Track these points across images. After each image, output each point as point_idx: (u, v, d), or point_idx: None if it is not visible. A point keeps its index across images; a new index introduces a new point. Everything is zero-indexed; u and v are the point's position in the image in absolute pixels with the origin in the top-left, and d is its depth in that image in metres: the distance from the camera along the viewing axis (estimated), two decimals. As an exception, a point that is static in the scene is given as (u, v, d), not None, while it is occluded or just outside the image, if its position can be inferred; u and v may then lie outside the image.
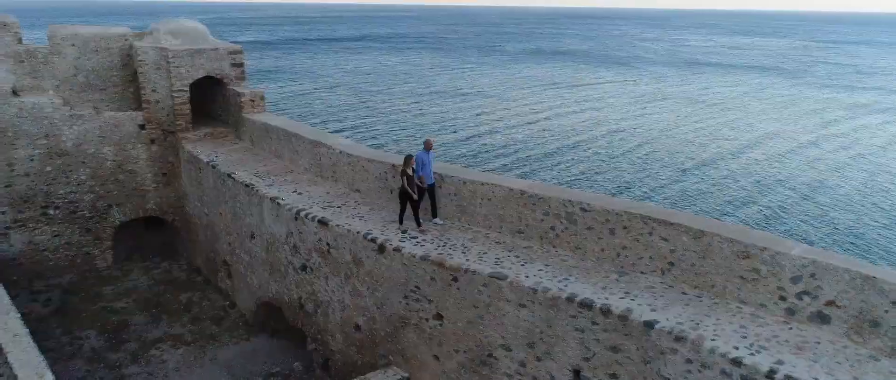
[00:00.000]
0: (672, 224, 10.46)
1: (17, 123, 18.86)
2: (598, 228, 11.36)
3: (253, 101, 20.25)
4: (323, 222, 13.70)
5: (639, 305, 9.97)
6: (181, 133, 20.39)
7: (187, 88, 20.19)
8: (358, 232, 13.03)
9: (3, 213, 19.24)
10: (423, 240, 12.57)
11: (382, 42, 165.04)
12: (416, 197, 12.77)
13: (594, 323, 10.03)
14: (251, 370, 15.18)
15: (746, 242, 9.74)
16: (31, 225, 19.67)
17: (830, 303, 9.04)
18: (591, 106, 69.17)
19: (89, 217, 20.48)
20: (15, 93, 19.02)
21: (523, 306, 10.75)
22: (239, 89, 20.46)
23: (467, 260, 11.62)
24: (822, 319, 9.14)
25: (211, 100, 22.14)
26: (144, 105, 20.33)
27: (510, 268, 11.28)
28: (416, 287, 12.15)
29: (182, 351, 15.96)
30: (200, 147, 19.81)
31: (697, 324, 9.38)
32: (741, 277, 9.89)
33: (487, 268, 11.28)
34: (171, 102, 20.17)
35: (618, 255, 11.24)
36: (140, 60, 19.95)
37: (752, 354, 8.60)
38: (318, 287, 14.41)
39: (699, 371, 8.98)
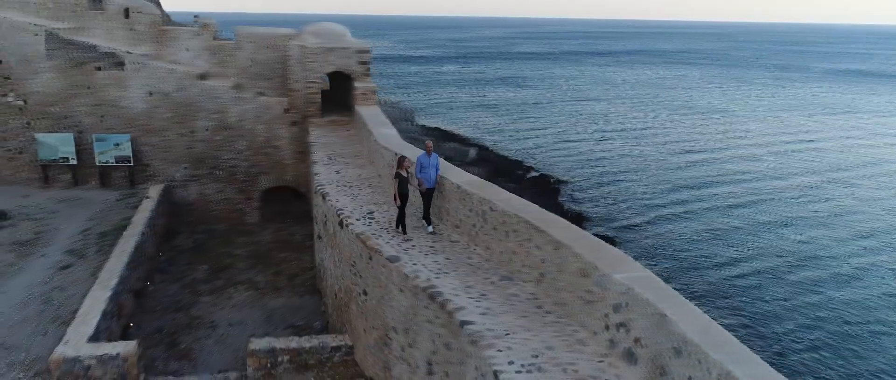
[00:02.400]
0: (541, 231, 9.84)
1: (200, 101, 24.36)
2: (500, 230, 11.07)
3: (365, 94, 22.84)
4: (324, 196, 15.44)
5: (477, 306, 9.68)
6: (311, 118, 23.95)
7: (319, 80, 23.66)
8: (339, 208, 14.47)
9: (186, 168, 25.00)
10: (372, 220, 13.48)
11: (658, 56, 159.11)
12: (398, 202, 12.57)
13: (437, 317, 10.01)
14: (281, 320, 17.63)
15: (586, 258, 8.80)
16: (202, 180, 25.17)
17: (637, 340, 7.82)
18: None
19: (243, 180, 25.34)
20: (202, 77, 24.57)
21: (402, 291, 11.09)
22: (358, 83, 23.24)
23: (386, 242, 12.27)
24: (630, 358, 7.95)
25: (346, 92, 25.42)
26: (288, 93, 24.41)
27: (408, 253, 11.65)
28: (354, 263, 13.15)
29: (249, 294, 19.16)
30: (319, 131, 23.07)
31: (506, 335, 8.85)
32: (581, 298, 8.96)
33: (391, 251, 11.81)
34: (306, 91, 23.85)
35: (509, 259, 10.82)
36: (287, 55, 24.03)
37: (517, 373, 7.96)
38: (323, 255, 16.21)
39: (483, 377, 8.54)
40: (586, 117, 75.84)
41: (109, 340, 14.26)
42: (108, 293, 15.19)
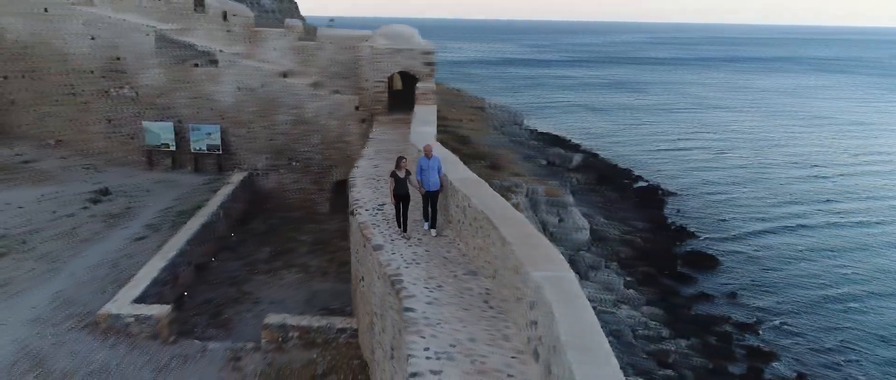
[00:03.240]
0: (495, 228, 9.95)
1: (281, 96, 26.37)
2: (473, 226, 11.26)
3: (425, 93, 23.55)
4: (351, 187, 16.30)
5: (428, 296, 9.98)
6: (377, 115, 25.08)
7: (385, 80, 24.75)
8: (356, 198, 15.26)
9: (267, 158, 27.14)
10: (380, 212, 14.10)
11: (808, 64, 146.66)
12: (392, 200, 12.82)
13: (393, 304, 10.42)
14: (320, 302, 18.75)
15: (518, 255, 8.85)
16: (281, 170, 27.18)
17: (540, 339, 7.81)
18: None
19: (317, 172, 27.04)
20: (284, 75, 26.57)
21: (379, 278, 11.61)
22: (420, 83, 24.02)
23: (380, 232, 12.83)
24: (535, 356, 7.96)
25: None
26: (359, 91, 25.73)
27: (393, 244, 12.13)
28: (357, 250, 13.85)
29: (299, 276, 20.54)
30: (380, 128, 24.11)
31: (438, 324, 9.09)
32: (514, 295, 9.01)
33: (379, 240, 12.35)
34: (374, 89, 25.02)
35: (477, 254, 10.99)
36: (359, 56, 25.35)
37: (427, 359, 8.22)
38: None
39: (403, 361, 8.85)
40: (708, 126, 72.08)
41: (159, 303, 16.05)
42: (164, 263, 17.10)
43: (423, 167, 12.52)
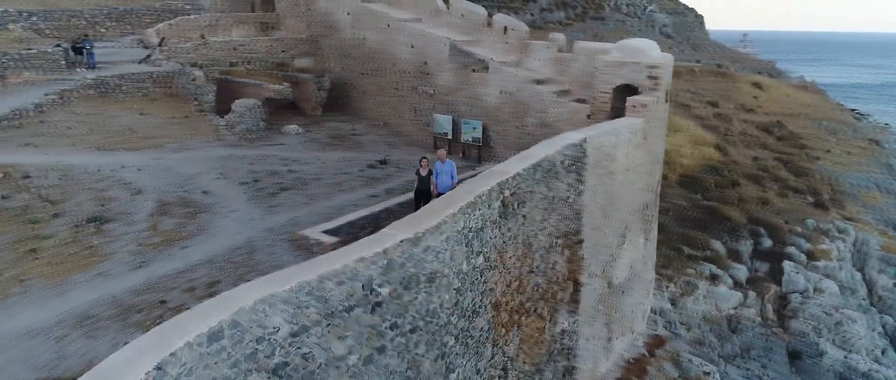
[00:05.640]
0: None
1: (530, 101, 29.76)
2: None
3: (634, 106, 23.82)
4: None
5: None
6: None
7: (609, 91, 25.71)
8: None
9: (515, 154, 30.85)
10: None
11: None
12: (414, 197, 14.97)
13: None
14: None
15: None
16: (524, 166, 30.54)
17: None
18: None
19: (551, 172, 29.50)
20: (538, 82, 29.83)
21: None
22: (634, 96, 24.32)
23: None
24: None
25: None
26: (591, 100, 27.19)
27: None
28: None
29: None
30: (593, 135, 25.30)
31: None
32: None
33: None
34: (598, 100, 26.23)
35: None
36: (594, 67, 26.85)
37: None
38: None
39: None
40: None
41: (342, 237, 21.67)
42: (366, 213, 22.79)
43: (437, 171, 14.77)
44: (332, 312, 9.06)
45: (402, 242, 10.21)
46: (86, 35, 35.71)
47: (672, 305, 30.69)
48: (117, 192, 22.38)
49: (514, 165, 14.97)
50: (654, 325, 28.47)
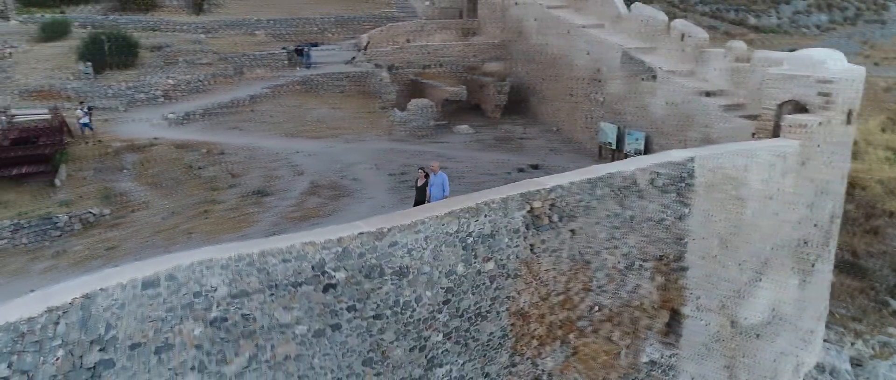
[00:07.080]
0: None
1: (696, 115, 27.39)
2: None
3: (790, 127, 20.64)
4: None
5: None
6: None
7: (773, 107, 22.52)
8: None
9: (676, 171, 28.62)
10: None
11: None
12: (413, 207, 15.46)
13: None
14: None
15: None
16: (683, 184, 28.17)
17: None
18: None
19: (711, 193, 26.77)
20: (707, 94, 27.29)
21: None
22: (802, 115, 21.03)
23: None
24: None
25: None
26: (758, 116, 24.09)
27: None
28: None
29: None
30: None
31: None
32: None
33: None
34: (762, 115, 23.18)
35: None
36: (761, 80, 23.73)
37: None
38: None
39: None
40: None
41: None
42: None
43: (431, 182, 15.27)
44: (277, 284, 10.36)
45: (361, 234, 11.07)
46: (312, 41, 42.01)
47: (855, 365, 25.74)
48: (284, 172, 26.47)
49: (558, 178, 14.62)
50: (815, 384, 24.29)
